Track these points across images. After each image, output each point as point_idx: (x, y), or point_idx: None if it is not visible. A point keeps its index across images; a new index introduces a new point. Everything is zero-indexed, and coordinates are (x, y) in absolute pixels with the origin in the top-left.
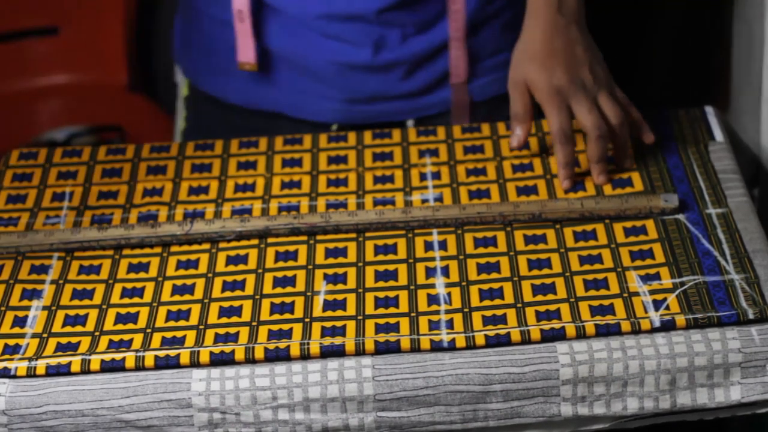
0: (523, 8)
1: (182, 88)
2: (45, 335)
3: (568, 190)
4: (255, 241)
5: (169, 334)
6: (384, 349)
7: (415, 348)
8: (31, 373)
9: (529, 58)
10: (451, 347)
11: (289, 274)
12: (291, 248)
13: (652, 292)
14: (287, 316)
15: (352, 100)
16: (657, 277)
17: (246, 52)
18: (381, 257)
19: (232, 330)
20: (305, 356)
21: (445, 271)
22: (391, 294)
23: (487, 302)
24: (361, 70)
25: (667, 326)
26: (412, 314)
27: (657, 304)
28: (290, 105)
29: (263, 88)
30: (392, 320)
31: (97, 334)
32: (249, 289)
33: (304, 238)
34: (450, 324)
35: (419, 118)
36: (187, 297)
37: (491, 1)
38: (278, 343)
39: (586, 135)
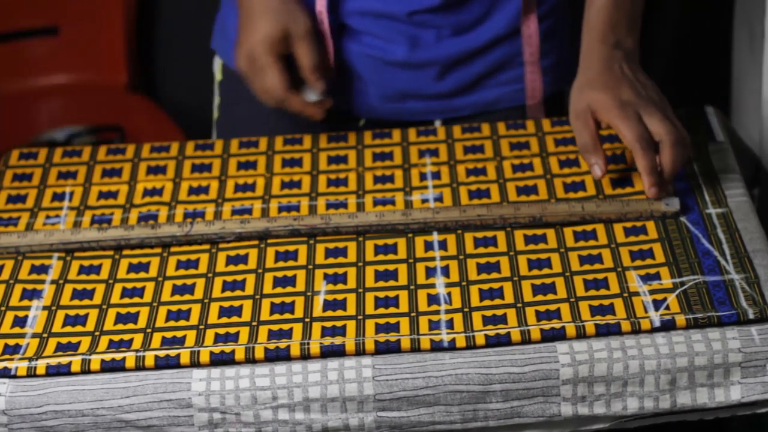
0: (558, 19)
1: (217, 74)
2: (45, 335)
3: (657, 197)
4: (255, 241)
5: (169, 334)
6: (384, 349)
7: (415, 348)
8: (31, 373)
9: (590, 86)
10: (451, 347)
11: (289, 274)
12: (291, 248)
13: (652, 291)
14: (287, 316)
15: (385, 97)
16: (657, 277)
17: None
18: (381, 257)
19: (232, 330)
20: (305, 356)
21: (445, 271)
22: (391, 294)
23: (487, 302)
24: (394, 66)
25: (667, 326)
26: (412, 314)
27: (657, 304)
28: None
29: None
30: (392, 320)
31: (97, 334)
32: (249, 289)
33: (304, 238)
34: (450, 324)
35: (447, 119)
36: (187, 297)
37: (535, 7)
38: (278, 343)
39: (662, 143)
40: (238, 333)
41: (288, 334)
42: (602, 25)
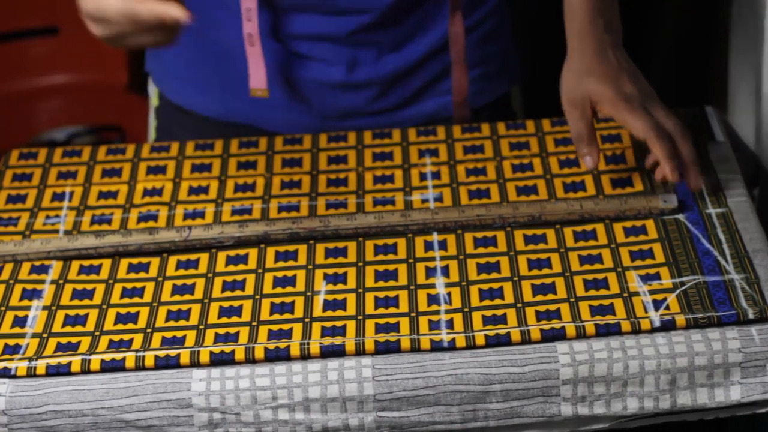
0: (500, 20)
1: (153, 98)
2: (45, 335)
3: (677, 183)
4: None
5: (169, 334)
6: (384, 349)
7: (415, 348)
8: (31, 373)
9: (589, 74)
10: (451, 347)
11: (289, 274)
12: (291, 248)
13: (652, 292)
14: (287, 316)
15: (327, 116)
16: (657, 277)
17: (258, 78)
18: (381, 257)
19: (232, 330)
20: (305, 356)
21: (445, 271)
22: (391, 294)
23: (487, 302)
24: (335, 88)
25: (667, 326)
26: (412, 314)
27: (657, 304)
28: (264, 118)
29: (237, 102)
30: (392, 320)
31: (97, 334)
32: (249, 289)
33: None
34: (450, 324)
35: None
36: (187, 297)
37: (467, 16)
38: (278, 343)
39: (675, 137)
40: (238, 333)
41: (288, 334)
42: (589, 9)
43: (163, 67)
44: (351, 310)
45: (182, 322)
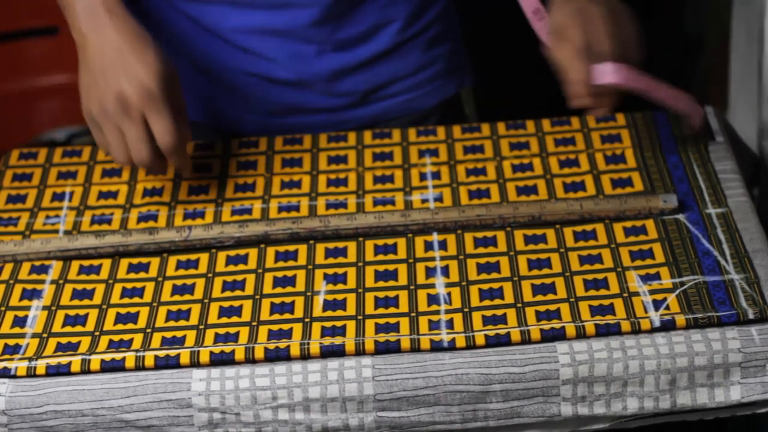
0: (447, 24)
1: None
2: (45, 335)
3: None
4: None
5: (169, 334)
6: (384, 349)
7: (415, 348)
8: (31, 373)
9: (583, 14)
10: (451, 347)
11: (289, 274)
12: (291, 248)
13: (652, 292)
14: (287, 316)
15: (270, 112)
16: (657, 277)
17: None
18: (381, 257)
19: (232, 330)
20: (305, 356)
21: (445, 271)
22: (391, 294)
23: (487, 302)
24: (277, 83)
25: (667, 326)
26: (412, 314)
27: (657, 304)
28: (205, 114)
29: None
30: (392, 320)
31: (97, 334)
32: (249, 289)
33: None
34: (450, 324)
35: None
36: (187, 297)
37: (417, 20)
38: (278, 343)
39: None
40: (238, 333)
41: (288, 334)
42: None
43: None
44: (351, 310)
45: (182, 322)
